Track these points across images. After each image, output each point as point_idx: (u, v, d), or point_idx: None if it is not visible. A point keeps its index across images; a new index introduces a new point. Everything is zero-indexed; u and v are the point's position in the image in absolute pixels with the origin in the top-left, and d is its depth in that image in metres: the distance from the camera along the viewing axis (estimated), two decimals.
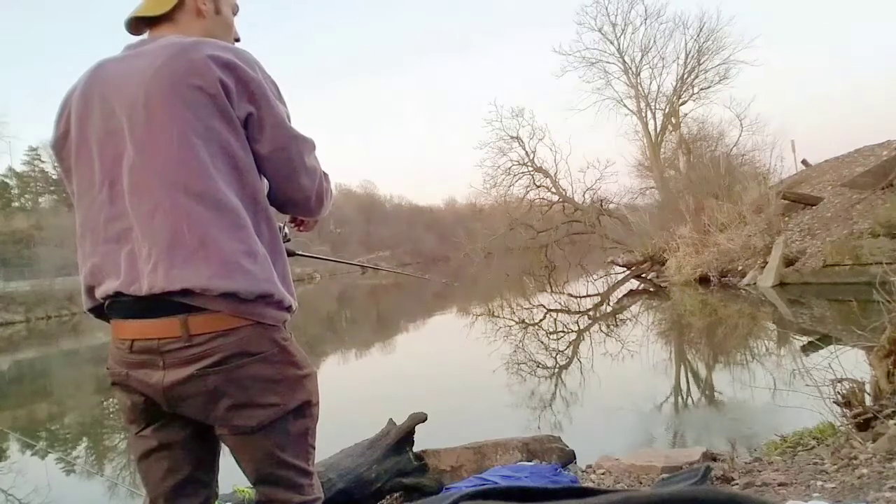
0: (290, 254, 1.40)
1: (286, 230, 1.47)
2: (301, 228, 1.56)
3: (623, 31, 28.54)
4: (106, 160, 1.20)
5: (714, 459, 3.42)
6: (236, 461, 1.26)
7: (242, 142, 1.20)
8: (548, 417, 5.31)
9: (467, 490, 2.29)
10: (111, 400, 7.43)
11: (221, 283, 1.13)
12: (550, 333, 10.91)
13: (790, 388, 4.56)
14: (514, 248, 27.07)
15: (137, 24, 1.33)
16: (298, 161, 1.26)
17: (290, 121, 1.26)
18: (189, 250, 1.14)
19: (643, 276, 17.58)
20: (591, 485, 3.15)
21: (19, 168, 43.82)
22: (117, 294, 1.19)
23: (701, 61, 27.67)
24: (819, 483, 2.56)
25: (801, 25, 52.13)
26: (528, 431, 4.52)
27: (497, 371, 7.40)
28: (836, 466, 2.74)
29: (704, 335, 9.03)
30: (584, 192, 25.46)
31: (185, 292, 1.14)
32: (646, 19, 28.29)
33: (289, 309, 1.24)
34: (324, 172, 1.35)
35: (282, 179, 1.27)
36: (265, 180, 1.27)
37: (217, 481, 1.34)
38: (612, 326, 11.00)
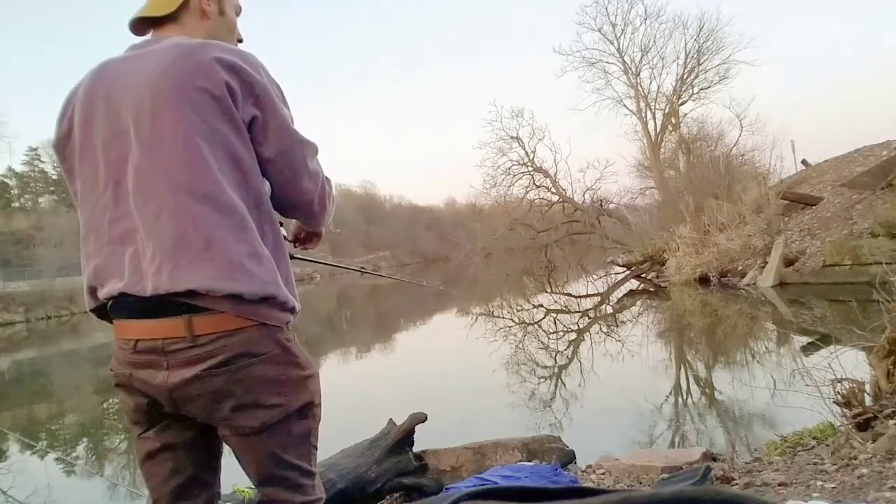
0: (290, 257, 1.41)
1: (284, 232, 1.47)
2: (305, 246, 1.56)
3: (623, 31, 28.44)
4: (111, 160, 1.20)
5: (714, 459, 3.42)
6: (239, 462, 1.26)
7: (247, 144, 1.20)
8: (548, 417, 5.32)
9: (467, 490, 2.30)
10: (111, 400, 7.44)
11: (227, 284, 1.14)
12: (550, 333, 10.91)
13: (790, 388, 4.57)
14: (514, 248, 27.08)
15: (141, 25, 1.33)
16: (301, 164, 1.27)
17: (293, 124, 1.26)
18: (194, 251, 1.14)
19: (643, 276, 17.59)
20: (591, 485, 3.15)
21: (19, 168, 43.87)
22: (121, 295, 1.19)
23: (701, 61, 27.59)
24: (819, 483, 2.56)
25: (800, 25, 52.20)
26: (528, 431, 4.52)
27: (497, 371, 7.40)
28: (836, 466, 2.74)
29: (704, 335, 9.03)
30: (584, 192, 25.48)
31: (190, 293, 1.14)
32: (645, 19, 28.20)
33: (292, 310, 1.25)
34: (326, 177, 1.36)
35: (284, 182, 1.27)
36: (267, 183, 1.27)
37: (219, 481, 1.34)
38: (611, 326, 11.00)
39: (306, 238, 1.55)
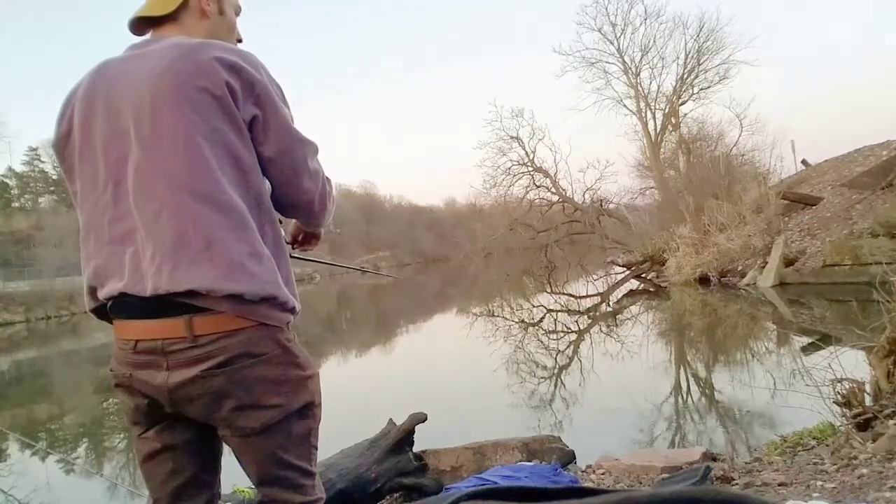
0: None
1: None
2: (304, 247, 1.56)
3: (623, 31, 28.44)
4: (111, 160, 1.20)
5: (714, 459, 3.42)
6: (239, 462, 1.26)
7: (247, 144, 1.20)
8: (548, 417, 5.31)
9: (467, 490, 2.29)
10: (111, 400, 7.44)
11: (227, 284, 1.13)
12: (550, 333, 10.91)
13: (790, 388, 4.57)
14: (514, 248, 27.07)
15: (141, 25, 1.33)
16: (302, 163, 1.27)
17: (293, 123, 1.26)
18: (194, 251, 1.14)
19: (643, 276, 17.59)
20: (591, 485, 3.15)
21: (19, 168, 43.91)
22: (121, 295, 1.19)
23: (701, 61, 27.60)
24: (819, 483, 2.56)
25: (800, 25, 52.23)
26: (528, 431, 4.52)
27: (497, 371, 7.40)
28: (836, 466, 2.74)
29: (704, 335, 9.03)
30: (584, 192, 25.49)
31: (190, 293, 1.14)
32: (645, 19, 28.20)
33: (292, 310, 1.24)
34: (326, 177, 1.36)
35: (285, 182, 1.27)
36: (267, 182, 1.27)
37: (219, 482, 1.34)
38: (611, 326, 10.99)
39: (305, 239, 1.54)
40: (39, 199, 44.72)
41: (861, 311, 3.71)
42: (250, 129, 1.20)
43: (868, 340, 3.39)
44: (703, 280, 13.78)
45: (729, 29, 31.51)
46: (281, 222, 1.32)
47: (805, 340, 7.37)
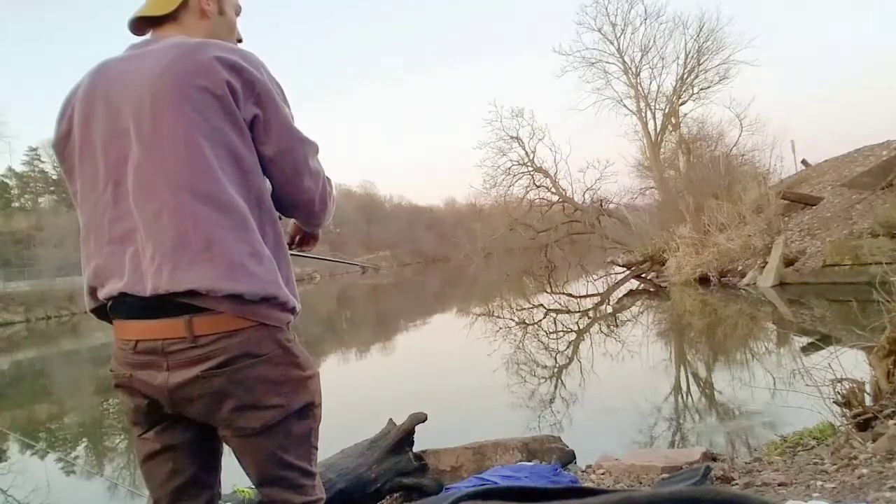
0: None
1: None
2: (302, 248, 1.57)
3: (623, 31, 28.47)
4: (111, 160, 1.20)
5: (714, 459, 3.42)
6: (239, 462, 1.26)
7: (248, 143, 1.20)
8: (548, 417, 5.31)
9: (467, 490, 2.29)
10: (111, 400, 7.43)
11: (227, 284, 1.13)
12: (550, 333, 10.92)
13: (790, 388, 4.57)
14: (514, 248, 27.09)
15: (141, 25, 1.33)
16: (302, 163, 1.27)
17: (294, 123, 1.26)
18: (194, 251, 1.14)
19: (643, 276, 17.60)
20: (591, 485, 3.15)
21: (19, 168, 43.93)
22: (121, 295, 1.19)
23: (701, 61, 27.61)
24: (819, 483, 2.56)
25: (800, 25, 52.26)
26: (528, 431, 4.52)
27: (497, 371, 7.40)
28: (836, 466, 2.74)
29: (704, 335, 9.03)
30: (584, 192, 25.51)
31: (190, 293, 1.14)
32: (645, 19, 28.22)
33: (293, 311, 1.24)
34: (326, 177, 1.36)
35: (286, 181, 1.27)
36: (268, 182, 1.27)
37: (220, 482, 1.34)
38: (611, 326, 11.00)
39: (303, 240, 1.55)
40: (39, 199, 44.73)
41: (861, 311, 3.71)
42: (251, 128, 1.20)
43: (868, 340, 3.39)
44: (703, 280, 13.78)
45: (729, 29, 31.57)
46: (280, 219, 1.32)
47: (805, 340, 7.37)
